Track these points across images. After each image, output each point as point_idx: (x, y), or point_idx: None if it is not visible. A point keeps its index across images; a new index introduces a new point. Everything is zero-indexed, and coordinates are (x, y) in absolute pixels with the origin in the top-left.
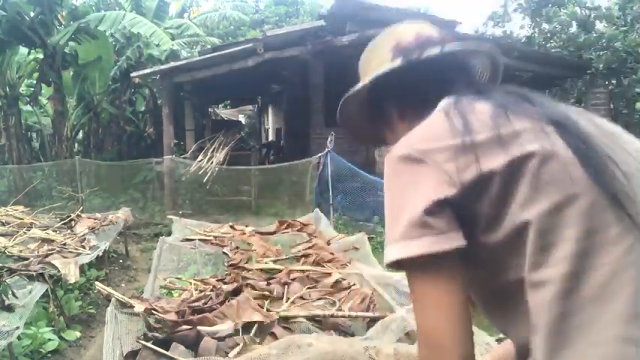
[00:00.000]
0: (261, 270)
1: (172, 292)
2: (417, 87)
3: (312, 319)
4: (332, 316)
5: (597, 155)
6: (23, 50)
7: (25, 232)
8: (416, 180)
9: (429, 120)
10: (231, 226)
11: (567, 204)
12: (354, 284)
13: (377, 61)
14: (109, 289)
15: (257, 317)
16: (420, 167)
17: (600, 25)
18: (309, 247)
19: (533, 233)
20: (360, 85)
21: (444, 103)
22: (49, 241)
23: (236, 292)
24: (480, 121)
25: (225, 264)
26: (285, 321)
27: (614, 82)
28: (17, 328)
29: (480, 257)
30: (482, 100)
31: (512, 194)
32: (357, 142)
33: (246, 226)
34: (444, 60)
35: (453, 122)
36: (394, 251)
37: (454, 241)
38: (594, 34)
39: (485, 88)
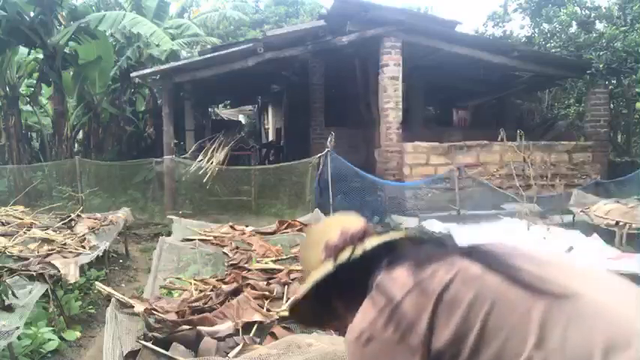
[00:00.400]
0: (261, 270)
1: (172, 292)
2: (351, 280)
3: None
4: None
5: (499, 261)
6: (23, 50)
7: (25, 232)
8: (387, 356)
9: (362, 307)
10: (231, 226)
11: (495, 303)
12: None
13: (313, 261)
14: (109, 289)
15: (257, 317)
16: (381, 348)
17: (600, 25)
18: None
19: (490, 337)
20: (302, 290)
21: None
22: (49, 241)
23: (236, 292)
24: (399, 284)
25: (225, 264)
26: (285, 321)
27: (614, 82)
28: (17, 328)
29: None
30: (399, 266)
31: (455, 320)
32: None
33: (246, 226)
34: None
35: (377, 301)
36: None
37: None
38: (594, 34)
39: (403, 253)
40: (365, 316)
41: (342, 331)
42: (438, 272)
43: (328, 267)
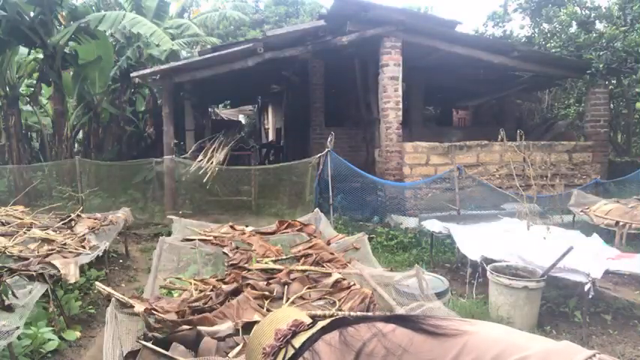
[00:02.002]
0: (261, 270)
1: (172, 292)
2: None
3: None
4: (332, 316)
5: (408, 318)
6: (23, 50)
7: (25, 232)
8: None
9: None
10: (231, 226)
11: (405, 350)
12: (354, 284)
13: None
14: (109, 289)
15: (257, 317)
16: None
17: (600, 25)
18: (309, 247)
19: None
20: None
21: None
22: (49, 241)
23: (236, 292)
24: (326, 343)
25: (225, 264)
26: None
27: (614, 82)
28: (17, 328)
29: None
30: (330, 334)
31: None
32: None
33: (246, 226)
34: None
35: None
36: None
37: None
38: (594, 34)
39: (331, 325)
40: None
41: None
42: (360, 332)
43: None
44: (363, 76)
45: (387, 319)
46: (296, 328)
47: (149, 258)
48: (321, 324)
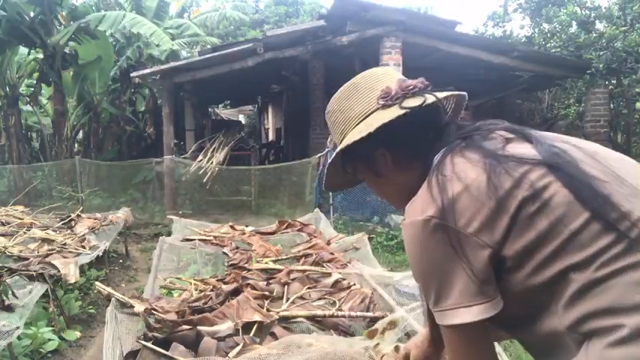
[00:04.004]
0: (261, 270)
1: (172, 292)
2: (411, 134)
3: (312, 319)
4: (332, 316)
5: (589, 189)
6: (23, 50)
7: (25, 232)
8: (451, 247)
9: (432, 189)
10: (231, 226)
11: (575, 234)
12: (354, 284)
13: (361, 109)
14: (109, 289)
15: (257, 317)
16: (449, 234)
17: (600, 25)
18: (309, 247)
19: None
20: (359, 135)
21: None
22: (49, 241)
23: (236, 292)
24: (484, 175)
25: (225, 264)
26: (285, 321)
27: (614, 82)
28: (17, 328)
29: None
30: (470, 152)
31: (531, 235)
32: (337, 189)
33: (246, 226)
34: (430, 107)
35: (453, 188)
36: (456, 317)
37: (500, 304)
38: (594, 34)
39: (484, 142)
40: (435, 200)
41: (367, 182)
42: (528, 176)
43: (396, 111)
44: None
45: (559, 171)
46: (424, 86)
47: (149, 258)
48: (449, 93)
